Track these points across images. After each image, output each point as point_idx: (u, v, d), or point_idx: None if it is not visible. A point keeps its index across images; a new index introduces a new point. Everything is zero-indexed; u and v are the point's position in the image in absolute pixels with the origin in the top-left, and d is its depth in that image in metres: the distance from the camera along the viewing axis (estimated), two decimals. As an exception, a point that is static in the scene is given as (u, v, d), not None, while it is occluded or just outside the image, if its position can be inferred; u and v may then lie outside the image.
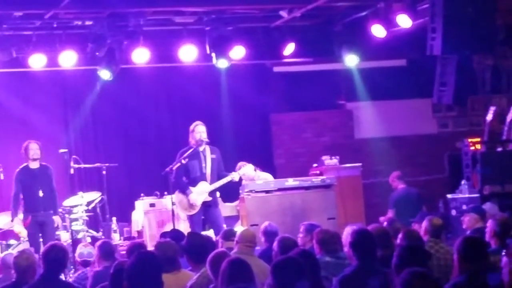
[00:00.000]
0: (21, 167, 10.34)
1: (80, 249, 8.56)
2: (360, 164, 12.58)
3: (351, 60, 12.05)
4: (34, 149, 10.25)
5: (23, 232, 10.31)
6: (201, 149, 10.30)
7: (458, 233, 8.93)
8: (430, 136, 14.38)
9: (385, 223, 8.17)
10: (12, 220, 10.30)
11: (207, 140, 10.28)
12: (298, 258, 4.60)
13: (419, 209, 11.38)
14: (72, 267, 9.87)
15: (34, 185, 10.21)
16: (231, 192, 11.12)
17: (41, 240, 10.10)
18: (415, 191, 12.14)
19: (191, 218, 10.31)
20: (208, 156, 10.36)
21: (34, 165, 10.32)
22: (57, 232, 10.63)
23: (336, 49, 12.02)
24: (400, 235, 6.68)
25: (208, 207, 10.31)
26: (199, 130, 10.25)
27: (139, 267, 4.41)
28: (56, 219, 10.39)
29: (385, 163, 13.59)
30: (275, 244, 6.54)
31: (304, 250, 5.68)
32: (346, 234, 6.53)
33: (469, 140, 11.95)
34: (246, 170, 10.71)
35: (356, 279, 5.67)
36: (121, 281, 4.84)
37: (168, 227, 10.49)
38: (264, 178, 11.15)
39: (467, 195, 10.88)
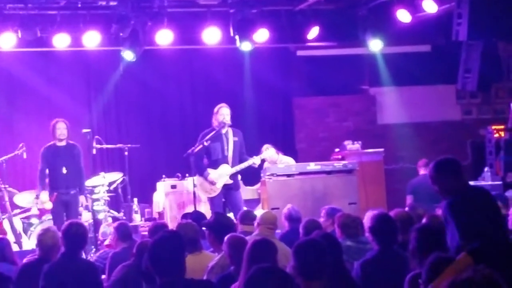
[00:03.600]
0: (48, 144, 10.29)
1: (103, 228, 8.59)
2: (382, 149, 12.49)
3: (375, 45, 11.95)
4: (61, 128, 10.15)
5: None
6: (223, 131, 10.22)
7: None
8: (453, 122, 14.28)
9: (406, 208, 8.14)
10: (36, 196, 10.29)
11: (229, 123, 10.25)
12: (320, 240, 4.59)
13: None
14: (93, 246, 9.93)
15: (57, 162, 10.15)
16: (252, 175, 11.13)
17: (65, 219, 10.13)
18: None
19: (211, 201, 10.30)
20: (231, 139, 10.31)
21: (61, 143, 10.24)
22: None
23: (360, 33, 11.91)
24: (424, 220, 6.65)
25: (229, 190, 10.28)
26: (223, 112, 10.18)
27: (162, 246, 4.35)
28: (81, 199, 10.33)
29: (408, 149, 13.52)
30: (301, 226, 6.53)
31: (325, 233, 5.68)
32: (367, 218, 6.52)
33: (493, 127, 11.88)
34: (268, 154, 10.71)
35: (377, 264, 5.68)
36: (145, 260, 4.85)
37: (189, 209, 10.52)
38: (286, 162, 11.14)
39: (489, 182, 10.83)
